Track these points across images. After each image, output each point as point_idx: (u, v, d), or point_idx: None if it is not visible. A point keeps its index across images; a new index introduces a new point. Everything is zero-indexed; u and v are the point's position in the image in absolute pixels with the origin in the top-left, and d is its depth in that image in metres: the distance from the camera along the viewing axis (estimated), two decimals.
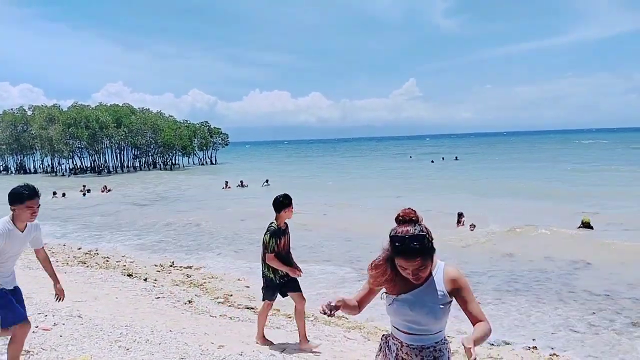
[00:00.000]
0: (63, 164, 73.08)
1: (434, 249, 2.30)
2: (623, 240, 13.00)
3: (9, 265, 4.20)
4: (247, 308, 8.38)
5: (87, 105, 72.55)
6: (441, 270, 2.35)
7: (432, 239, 2.28)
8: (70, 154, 69.13)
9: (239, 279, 10.62)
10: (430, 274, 2.33)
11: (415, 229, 2.25)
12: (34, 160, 78.10)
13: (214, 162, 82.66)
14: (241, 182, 35.66)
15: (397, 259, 2.27)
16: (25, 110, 75.57)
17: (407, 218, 2.30)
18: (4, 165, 77.89)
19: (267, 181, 35.70)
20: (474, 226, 15.46)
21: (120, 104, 75.05)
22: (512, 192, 25.58)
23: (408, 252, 2.21)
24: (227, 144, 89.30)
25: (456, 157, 61.46)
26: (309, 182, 37.40)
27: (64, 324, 6.00)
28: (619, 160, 46.61)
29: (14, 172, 75.28)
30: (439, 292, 2.31)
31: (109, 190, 34.89)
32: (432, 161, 56.95)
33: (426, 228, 2.29)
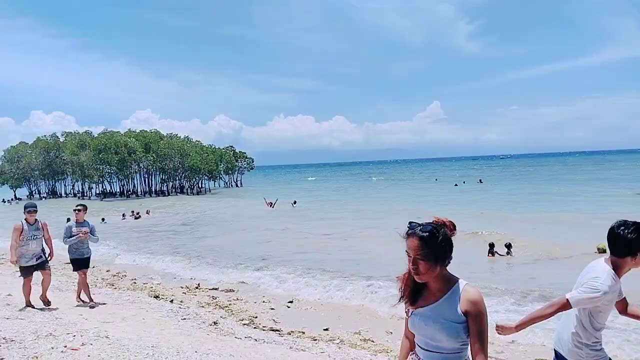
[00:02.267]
0: (92, 188, 74.93)
1: (444, 253, 2.28)
2: None
3: None
4: (272, 330, 8.31)
5: (117, 132, 74.59)
6: (460, 288, 2.31)
7: (444, 240, 2.27)
8: (100, 178, 70.88)
9: (263, 301, 10.57)
10: (450, 289, 2.31)
11: (430, 224, 2.30)
12: (65, 185, 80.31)
13: (239, 185, 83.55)
14: (270, 203, 36.44)
15: (406, 243, 2.32)
16: (57, 137, 78.16)
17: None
18: (36, 190, 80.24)
19: (294, 202, 36.44)
20: (509, 248, 14.99)
21: (149, 130, 76.88)
22: (540, 215, 25.01)
23: (412, 233, 2.29)
24: (252, 168, 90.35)
25: (480, 180, 60.58)
26: (333, 203, 37.39)
27: (91, 344, 6.04)
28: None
29: (45, 196, 77.42)
30: (455, 310, 2.27)
31: (148, 213, 35.60)
32: (456, 184, 56.24)
33: (443, 230, 2.30)
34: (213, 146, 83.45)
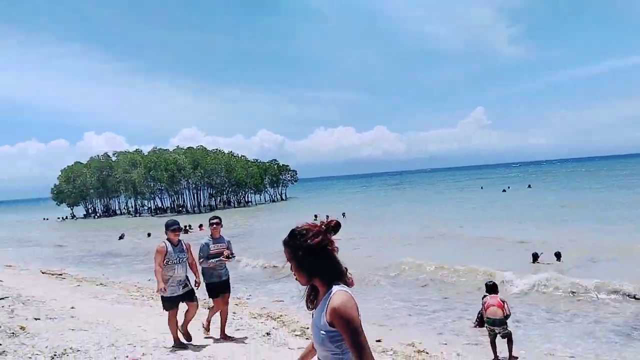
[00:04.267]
0: (145, 205, 77.68)
1: (301, 260, 2.23)
2: None
3: None
4: None
5: (166, 150, 77.15)
6: (330, 295, 2.19)
7: (299, 247, 2.22)
8: (152, 195, 73.42)
9: None
10: (325, 296, 2.21)
11: (293, 230, 2.28)
12: (118, 202, 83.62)
13: (284, 198, 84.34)
14: (315, 216, 36.10)
15: None
16: (109, 157, 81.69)
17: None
18: (92, 208, 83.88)
19: (343, 214, 36.28)
20: (559, 258, 14.49)
21: (195, 147, 79.13)
22: (588, 219, 23.91)
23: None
24: (296, 180, 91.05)
25: (529, 185, 58.57)
26: (380, 214, 37.11)
27: (151, 354, 6.24)
28: None
29: (100, 214, 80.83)
30: (321, 317, 2.19)
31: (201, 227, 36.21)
32: (504, 190, 54.62)
33: (302, 237, 2.24)
34: (257, 160, 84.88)
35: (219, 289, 7.13)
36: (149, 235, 32.76)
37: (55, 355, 5.87)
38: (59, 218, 73.03)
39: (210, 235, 7.21)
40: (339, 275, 2.25)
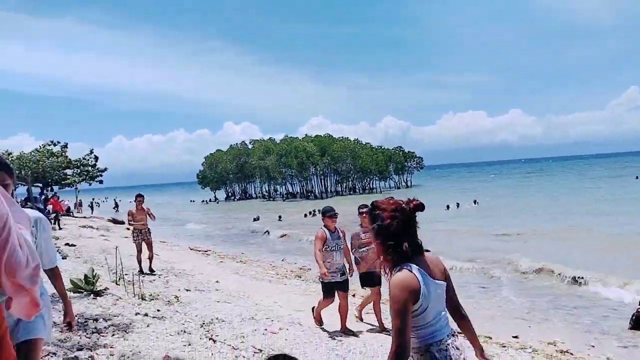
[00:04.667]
0: (277, 190, 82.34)
1: (378, 224, 2.32)
2: None
3: None
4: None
5: (296, 138, 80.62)
6: (394, 274, 2.27)
7: (383, 212, 2.32)
8: (283, 180, 77.53)
9: None
10: (394, 272, 2.28)
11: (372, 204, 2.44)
12: (254, 187, 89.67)
13: (409, 185, 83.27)
14: (447, 206, 35.11)
15: None
16: (247, 145, 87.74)
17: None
18: (231, 191, 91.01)
19: (475, 201, 34.88)
20: None
21: (323, 135, 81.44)
22: None
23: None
24: (422, 167, 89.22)
25: None
26: (518, 203, 34.80)
27: (287, 330, 6.57)
28: None
29: (238, 197, 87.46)
30: None
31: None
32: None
33: (384, 204, 2.35)
34: (382, 147, 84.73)
35: (372, 279, 6.93)
36: (279, 218, 34.64)
37: (204, 323, 6.47)
38: (203, 201, 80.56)
39: (360, 224, 6.98)
40: (412, 251, 2.30)
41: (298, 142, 76.52)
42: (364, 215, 6.59)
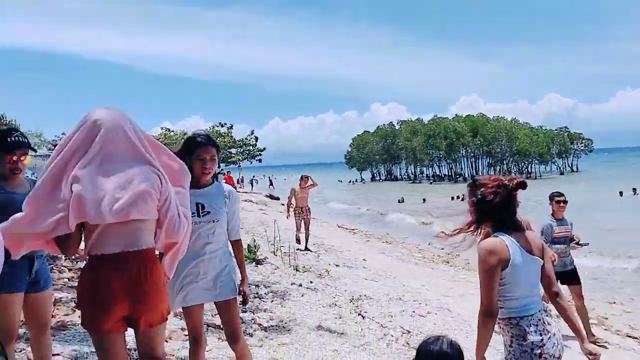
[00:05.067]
0: (423, 172, 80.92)
1: (476, 200, 2.42)
2: None
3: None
4: (629, 336, 7.13)
5: (445, 118, 77.95)
6: None
7: (483, 188, 2.40)
8: (430, 162, 75.85)
9: (614, 302, 9.20)
10: None
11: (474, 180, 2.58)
12: (399, 168, 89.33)
13: (574, 170, 75.36)
14: (621, 192, 31.05)
15: None
16: (394, 125, 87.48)
17: None
18: (377, 172, 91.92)
19: (634, 190, 30.32)
20: None
21: (475, 115, 77.40)
22: None
23: None
24: (590, 151, 79.98)
25: None
26: None
27: (436, 314, 6.46)
28: None
29: (383, 178, 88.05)
30: None
31: None
32: None
33: (484, 181, 2.47)
34: (543, 128, 77.65)
35: (564, 279, 5.81)
36: (423, 200, 34.04)
37: (352, 299, 6.67)
38: (350, 181, 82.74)
39: (552, 214, 6.02)
40: (508, 226, 2.38)
41: (447, 122, 73.98)
42: (561, 204, 5.91)
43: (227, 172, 31.46)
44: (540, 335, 2.28)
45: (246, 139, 43.35)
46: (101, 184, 2.12)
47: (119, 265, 2.15)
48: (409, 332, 5.51)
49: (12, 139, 2.84)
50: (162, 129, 38.78)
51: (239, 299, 2.95)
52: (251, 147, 43.29)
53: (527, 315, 2.31)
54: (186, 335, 4.44)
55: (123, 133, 2.23)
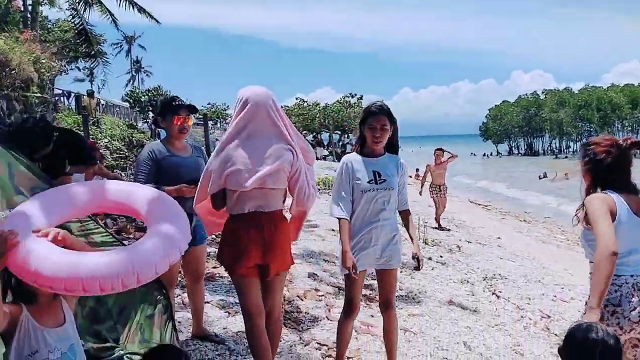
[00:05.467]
0: (569, 146, 73.64)
1: (589, 159, 2.40)
2: None
3: None
4: None
5: (599, 87, 69.66)
6: None
7: (594, 148, 2.38)
8: (578, 136, 68.72)
9: None
10: None
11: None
12: (542, 142, 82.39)
13: None
14: None
15: None
16: (537, 95, 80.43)
17: None
18: (515, 145, 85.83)
19: None
20: None
21: (637, 84, 67.93)
22: None
23: None
24: None
25: None
26: None
27: (580, 301, 5.92)
28: None
29: (522, 153, 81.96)
30: None
31: None
32: None
33: (596, 142, 2.40)
34: None
35: None
36: (565, 176, 30.97)
37: (486, 277, 6.39)
38: (484, 154, 78.47)
39: None
40: (619, 187, 2.32)
41: (601, 92, 66.07)
42: None
43: (356, 142, 31.74)
44: (627, 298, 2.22)
45: None
46: (244, 157, 2.55)
47: (254, 222, 2.58)
48: (549, 316, 5.15)
49: (177, 102, 3.19)
50: (296, 99, 40.28)
51: (414, 263, 2.98)
52: None
53: (623, 275, 2.24)
54: (320, 296, 4.66)
55: (266, 111, 2.60)
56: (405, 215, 3.08)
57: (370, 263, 2.95)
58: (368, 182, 2.86)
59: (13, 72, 9.21)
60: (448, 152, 10.23)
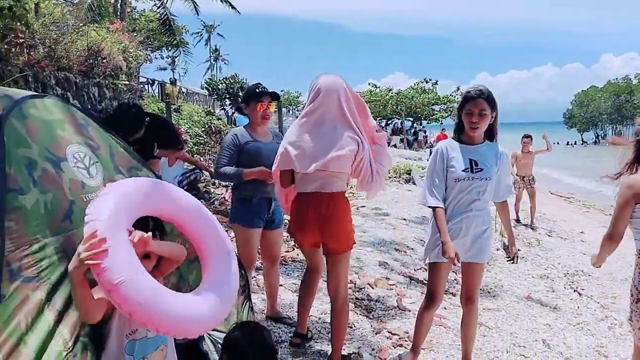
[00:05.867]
0: None
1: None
2: None
3: None
4: None
5: None
6: None
7: None
8: None
9: None
10: None
11: None
12: (633, 131, 76.08)
13: None
14: None
15: None
16: (630, 80, 74.15)
17: None
18: (602, 134, 79.95)
19: None
20: None
21: None
22: None
23: None
24: None
25: None
26: None
27: None
28: None
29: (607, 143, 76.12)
30: None
31: None
32: None
33: None
34: None
35: None
36: None
37: (567, 273, 6.08)
38: (568, 143, 73.78)
39: None
40: None
41: None
42: None
43: (442, 129, 30.86)
44: None
45: (451, 95, 41.88)
46: (310, 142, 2.68)
47: (314, 201, 2.73)
48: None
49: (260, 89, 3.27)
50: (369, 84, 39.95)
51: (504, 254, 2.97)
52: (455, 104, 41.72)
53: None
54: (391, 285, 4.66)
55: (337, 100, 2.68)
56: (501, 206, 2.98)
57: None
58: (463, 171, 2.74)
59: (104, 60, 9.84)
60: (547, 143, 9.16)
